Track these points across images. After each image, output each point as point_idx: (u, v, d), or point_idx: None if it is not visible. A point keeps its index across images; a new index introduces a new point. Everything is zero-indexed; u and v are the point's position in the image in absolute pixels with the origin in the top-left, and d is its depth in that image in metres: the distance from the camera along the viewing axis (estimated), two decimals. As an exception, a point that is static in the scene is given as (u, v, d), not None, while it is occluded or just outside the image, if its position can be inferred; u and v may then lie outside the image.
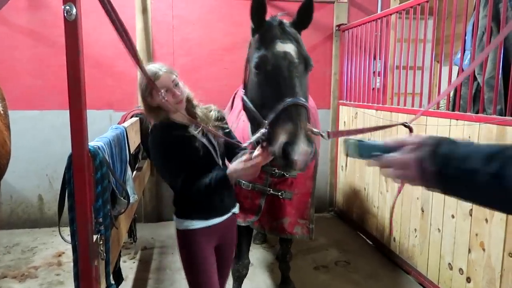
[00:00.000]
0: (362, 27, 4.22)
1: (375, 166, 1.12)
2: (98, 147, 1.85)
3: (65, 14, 1.51)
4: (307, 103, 1.81)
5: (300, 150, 1.59)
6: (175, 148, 1.87)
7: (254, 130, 2.06)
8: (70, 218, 1.69)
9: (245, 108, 2.10)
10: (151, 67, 1.90)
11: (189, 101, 2.00)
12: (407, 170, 0.99)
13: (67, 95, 1.55)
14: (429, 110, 3.18)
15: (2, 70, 4.16)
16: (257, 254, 3.86)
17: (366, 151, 1.12)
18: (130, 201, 2.37)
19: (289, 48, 1.88)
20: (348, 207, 4.71)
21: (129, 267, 3.56)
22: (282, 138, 1.65)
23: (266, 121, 1.82)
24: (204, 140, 1.95)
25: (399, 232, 3.57)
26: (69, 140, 1.57)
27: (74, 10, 1.52)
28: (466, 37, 2.82)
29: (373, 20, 3.97)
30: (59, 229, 1.82)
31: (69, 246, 1.71)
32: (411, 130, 2.32)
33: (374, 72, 4.28)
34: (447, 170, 0.91)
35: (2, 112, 2.66)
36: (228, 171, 1.79)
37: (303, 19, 2.01)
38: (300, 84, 1.84)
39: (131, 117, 3.48)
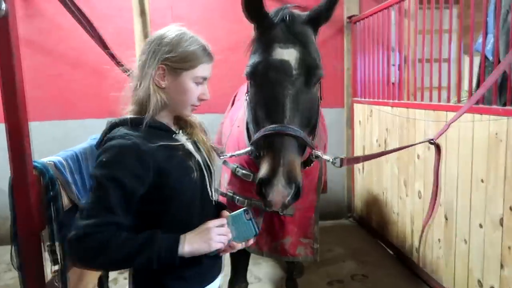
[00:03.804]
0: (375, 17, 3.86)
1: None
2: (54, 162, 1.63)
3: (-7, 11, 1.30)
4: (299, 131, 1.45)
5: (275, 191, 1.34)
6: (155, 166, 1.18)
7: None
8: (15, 247, 1.48)
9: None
10: (193, 35, 1.30)
11: None
12: None
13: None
14: (449, 104, 2.82)
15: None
16: (266, 268, 3.58)
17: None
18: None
19: (289, 55, 1.51)
20: (367, 213, 4.35)
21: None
22: (260, 172, 1.39)
23: (251, 140, 1.58)
24: (199, 159, 1.36)
25: (421, 242, 3.20)
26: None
27: (3, 5, 1.29)
28: (487, 19, 2.45)
29: (386, 8, 3.60)
30: (10, 255, 1.59)
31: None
32: (438, 148, 1.96)
33: (393, 66, 3.91)
34: None
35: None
36: (183, 244, 1.15)
37: (324, 12, 1.61)
38: (296, 104, 1.49)
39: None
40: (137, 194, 1.16)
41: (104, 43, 2.32)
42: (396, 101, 3.54)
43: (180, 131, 1.39)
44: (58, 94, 4.16)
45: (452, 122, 1.75)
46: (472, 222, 2.55)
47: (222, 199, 2.20)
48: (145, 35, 4.16)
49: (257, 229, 1.23)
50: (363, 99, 4.26)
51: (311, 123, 1.63)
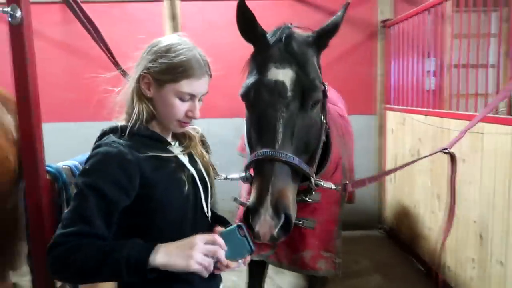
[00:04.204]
0: (410, 21, 3.70)
1: None
2: (70, 167, 1.65)
3: (9, 18, 1.32)
4: (292, 157, 1.37)
5: (261, 222, 1.27)
6: (146, 177, 1.14)
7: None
8: (28, 251, 1.50)
9: None
10: (185, 48, 1.22)
11: None
12: None
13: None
14: (487, 115, 2.63)
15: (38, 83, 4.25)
16: (289, 277, 3.50)
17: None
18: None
19: (284, 75, 1.45)
20: (398, 226, 4.16)
21: None
22: (250, 200, 1.32)
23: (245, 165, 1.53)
24: (194, 172, 1.29)
25: (453, 260, 3.01)
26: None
27: (19, 13, 1.31)
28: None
29: (424, 11, 3.44)
30: (27, 257, 1.62)
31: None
32: (453, 158, 1.85)
33: (428, 72, 3.73)
34: None
35: (8, 126, 2.56)
36: (158, 253, 1.03)
37: (327, 34, 1.56)
38: (290, 127, 1.41)
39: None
40: (119, 205, 1.10)
41: (108, 49, 2.34)
42: (430, 109, 3.36)
43: (176, 143, 1.33)
44: (93, 96, 4.29)
45: (467, 130, 1.64)
46: (509, 243, 2.36)
47: (242, 209, 2.16)
48: (176, 39, 4.22)
49: (252, 247, 1.15)
50: (395, 106, 4.09)
51: (310, 148, 1.55)
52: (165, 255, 1.02)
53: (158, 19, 4.17)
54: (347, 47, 4.26)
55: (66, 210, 1.10)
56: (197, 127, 1.42)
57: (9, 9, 1.29)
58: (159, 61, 1.19)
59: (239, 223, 1.17)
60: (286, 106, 1.41)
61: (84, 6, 4.22)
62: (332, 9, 4.03)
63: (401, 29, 3.92)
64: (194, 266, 1.02)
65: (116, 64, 2.44)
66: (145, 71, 1.21)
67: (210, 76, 1.28)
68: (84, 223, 1.04)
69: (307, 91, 1.45)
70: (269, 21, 1.84)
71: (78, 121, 4.39)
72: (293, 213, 1.35)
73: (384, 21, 4.19)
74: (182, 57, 1.19)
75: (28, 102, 1.34)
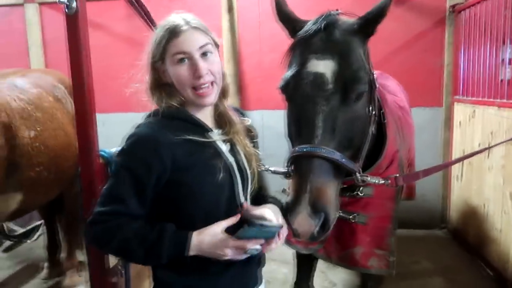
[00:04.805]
0: (483, 5, 3.39)
1: None
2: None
3: (65, 9, 1.39)
4: (333, 152, 1.31)
5: (298, 220, 1.24)
6: (178, 161, 1.14)
7: None
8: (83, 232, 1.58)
9: None
10: (171, 17, 1.23)
11: (223, 94, 1.31)
12: None
13: None
14: None
15: (104, 76, 4.48)
16: (342, 273, 3.40)
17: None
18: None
19: (325, 67, 1.36)
20: (464, 226, 3.87)
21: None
22: (288, 196, 1.31)
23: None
24: (232, 161, 1.25)
25: (527, 266, 2.74)
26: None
27: (74, 3, 1.38)
28: None
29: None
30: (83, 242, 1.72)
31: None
32: None
33: (502, 61, 3.40)
34: None
35: (73, 114, 2.73)
36: (193, 239, 1.11)
37: (374, 20, 1.46)
38: (331, 122, 1.34)
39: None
40: (149, 185, 1.13)
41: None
42: (505, 100, 3.06)
43: (219, 130, 1.29)
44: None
45: None
46: None
47: None
48: (232, 31, 4.24)
49: (275, 224, 1.14)
50: (465, 98, 3.78)
51: (354, 143, 1.45)
52: (197, 252, 1.12)
53: (215, 11, 4.22)
54: (412, 35, 4.01)
55: (105, 186, 1.17)
56: (247, 118, 1.39)
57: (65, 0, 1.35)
58: (153, 43, 1.23)
59: (247, 221, 1.09)
60: (326, 99, 1.34)
61: (148, 2, 4.42)
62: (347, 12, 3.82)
63: (472, 14, 3.60)
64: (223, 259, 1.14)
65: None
66: (151, 60, 1.24)
67: (195, 27, 1.20)
68: (118, 202, 1.11)
69: (350, 83, 1.37)
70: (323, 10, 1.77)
71: (140, 111, 4.59)
72: (333, 211, 1.30)
73: (453, 6, 3.88)
74: (162, 27, 1.21)
75: (83, 89, 1.41)
